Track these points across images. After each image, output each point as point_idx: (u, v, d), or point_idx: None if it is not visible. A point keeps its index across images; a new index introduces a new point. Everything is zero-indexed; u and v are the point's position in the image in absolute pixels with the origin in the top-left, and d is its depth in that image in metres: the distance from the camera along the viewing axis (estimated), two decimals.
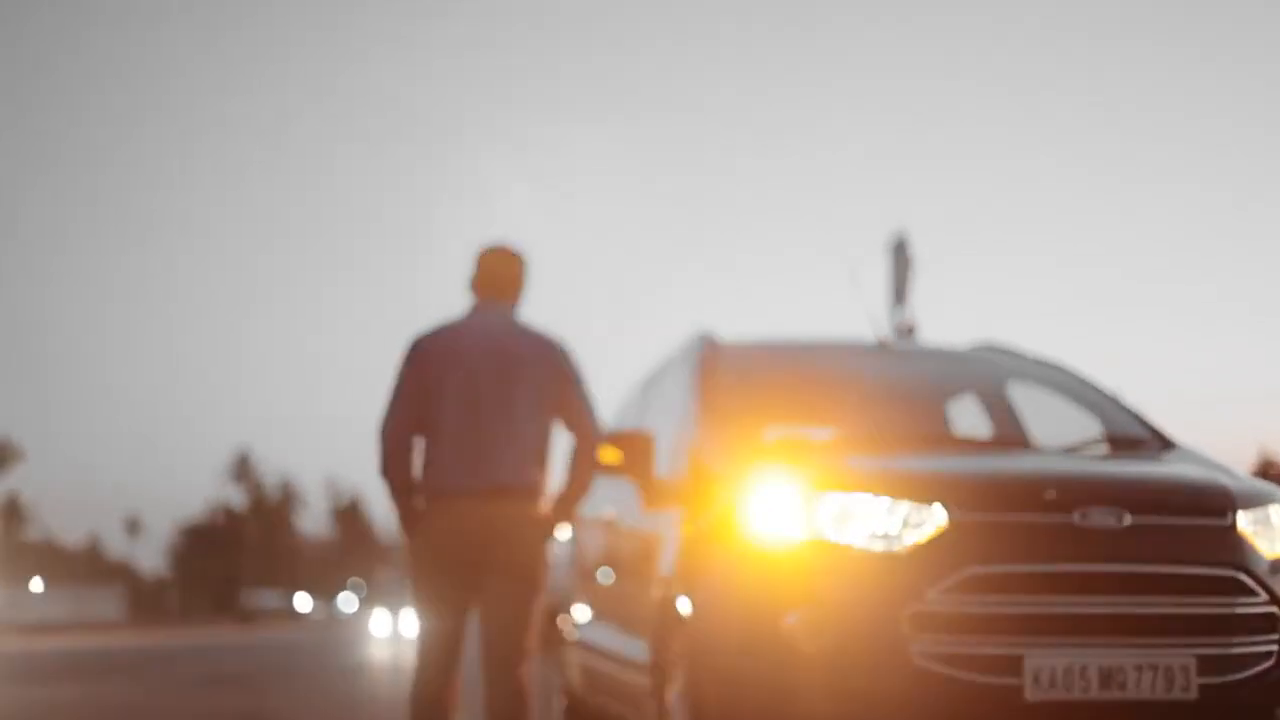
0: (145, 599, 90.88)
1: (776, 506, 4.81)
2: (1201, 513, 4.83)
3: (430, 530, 5.75)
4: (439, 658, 5.74)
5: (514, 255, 6.06)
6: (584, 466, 5.79)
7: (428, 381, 5.78)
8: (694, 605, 4.99)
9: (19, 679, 19.01)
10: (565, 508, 5.81)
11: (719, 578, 4.93)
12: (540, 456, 5.75)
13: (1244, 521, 4.84)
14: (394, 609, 59.43)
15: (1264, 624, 4.70)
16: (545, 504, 5.75)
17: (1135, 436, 5.89)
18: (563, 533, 5.94)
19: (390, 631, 53.72)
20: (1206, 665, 4.58)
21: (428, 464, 5.83)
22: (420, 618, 5.79)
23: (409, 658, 26.35)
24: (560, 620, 7.74)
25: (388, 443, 5.80)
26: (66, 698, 15.12)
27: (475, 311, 5.92)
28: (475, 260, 6.07)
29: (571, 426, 5.81)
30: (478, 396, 5.74)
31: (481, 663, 5.68)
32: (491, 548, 5.68)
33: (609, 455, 5.77)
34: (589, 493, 5.80)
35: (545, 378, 5.76)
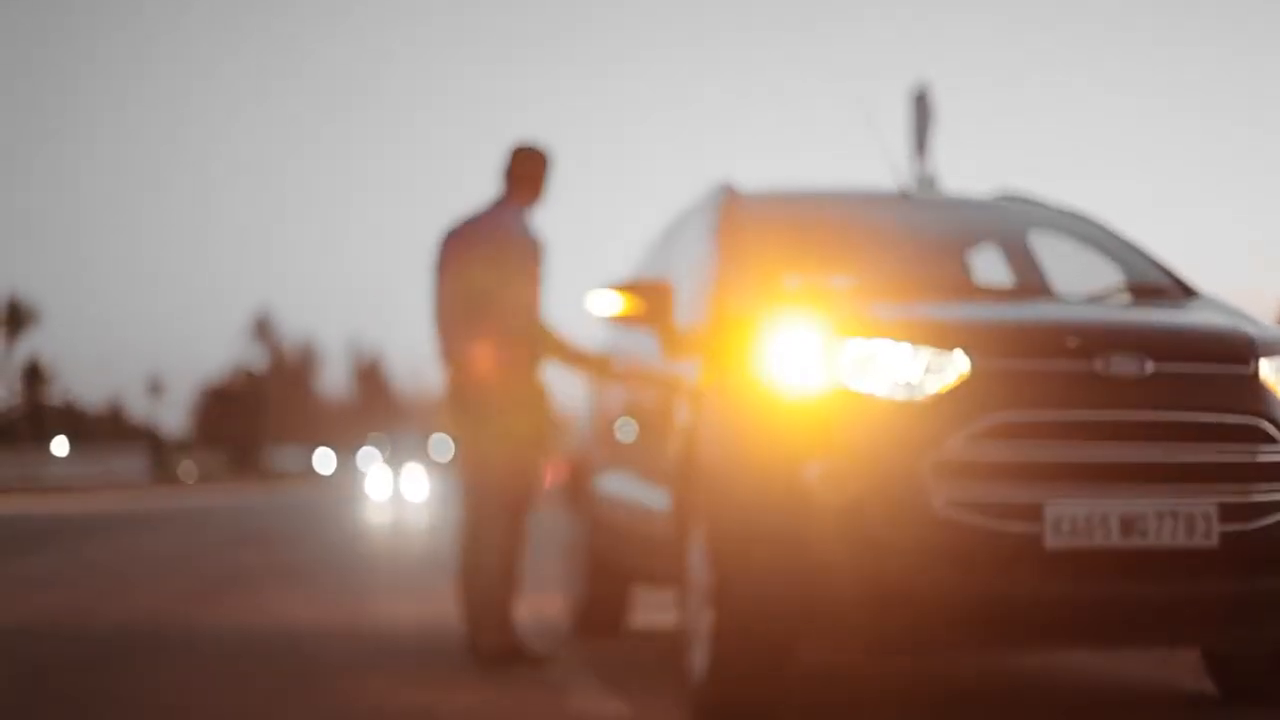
0: (168, 460, 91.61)
1: (797, 354, 4.79)
2: (1224, 360, 4.81)
3: (450, 398, 6.82)
4: (466, 507, 6.70)
5: (534, 154, 6.94)
6: (541, 349, 6.73)
7: (440, 269, 6.82)
8: (714, 455, 5.00)
9: (48, 539, 19.23)
10: (591, 369, 6.99)
11: (739, 427, 4.93)
12: (514, 336, 6.65)
13: (1266, 369, 4.82)
14: (396, 467, 51.37)
15: None
16: (525, 374, 6.71)
17: (1157, 285, 5.85)
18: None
19: (390, 493, 44.94)
20: (1228, 513, 4.58)
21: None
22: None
23: (412, 515, 26.45)
24: (580, 473, 7.77)
25: (434, 322, 6.83)
26: (95, 556, 15.31)
27: (489, 206, 6.87)
28: (505, 154, 6.95)
29: (519, 316, 6.69)
30: (462, 284, 6.71)
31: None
32: (486, 413, 6.67)
33: (629, 305, 5.86)
34: (566, 361, 6.90)
35: (512, 270, 6.66)
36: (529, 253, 6.71)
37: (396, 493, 44.57)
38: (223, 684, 6.10)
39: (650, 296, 5.89)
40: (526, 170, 6.88)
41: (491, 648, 6.51)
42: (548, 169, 6.94)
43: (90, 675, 6.39)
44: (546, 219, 7.06)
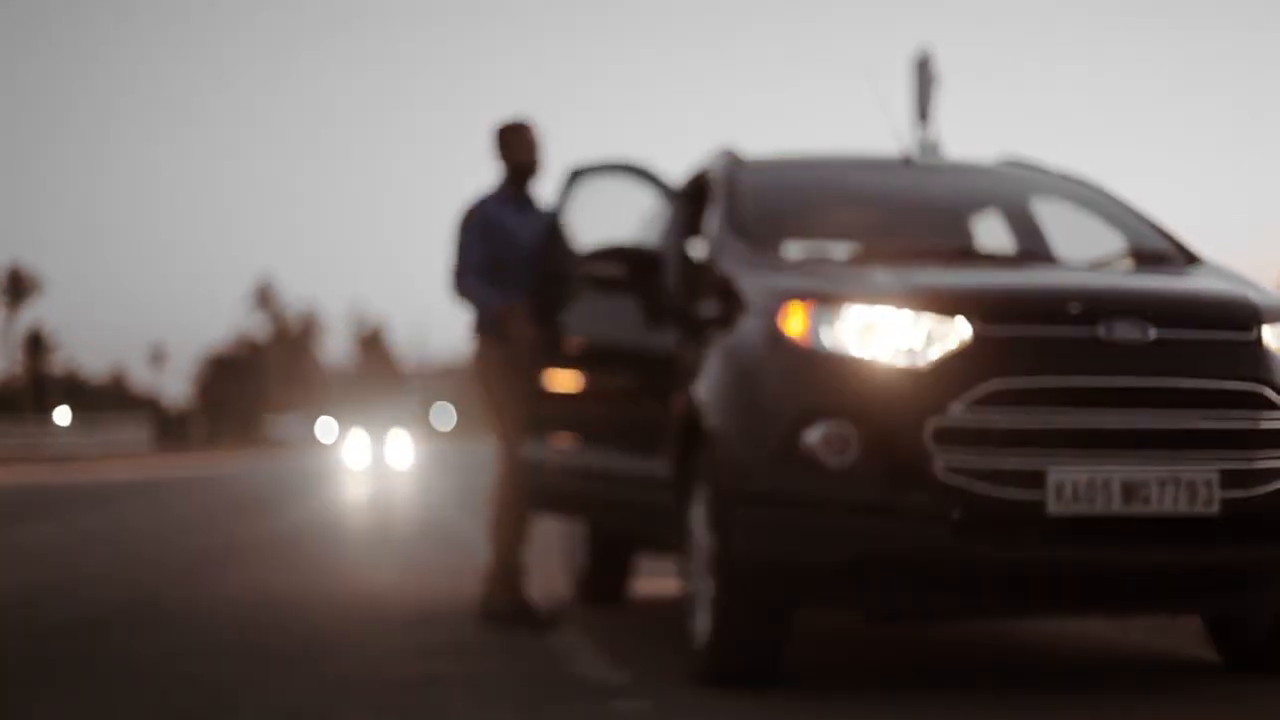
0: (170, 428, 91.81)
1: (800, 320, 4.78)
2: (1226, 326, 4.80)
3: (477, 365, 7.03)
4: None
5: (516, 129, 6.96)
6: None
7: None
8: (716, 421, 4.99)
9: (49, 509, 19.26)
10: (518, 327, 6.72)
11: (741, 393, 4.92)
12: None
13: (1269, 336, 4.81)
14: (377, 434, 48.42)
15: None
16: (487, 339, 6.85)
17: (1160, 251, 5.83)
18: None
19: (370, 461, 42.47)
20: (1229, 480, 4.58)
21: None
22: None
23: (395, 485, 26.14)
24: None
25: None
26: (96, 526, 15.34)
27: (492, 188, 6.93)
28: (491, 136, 6.99)
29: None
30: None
31: None
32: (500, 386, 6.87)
33: (613, 270, 5.84)
34: (492, 320, 6.80)
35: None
36: (462, 220, 6.83)
37: (379, 461, 43.07)
38: (224, 654, 6.10)
39: (635, 261, 5.87)
40: (513, 147, 6.91)
41: (498, 605, 6.60)
42: (534, 140, 6.94)
43: (90, 644, 6.40)
44: (547, 190, 7.05)
